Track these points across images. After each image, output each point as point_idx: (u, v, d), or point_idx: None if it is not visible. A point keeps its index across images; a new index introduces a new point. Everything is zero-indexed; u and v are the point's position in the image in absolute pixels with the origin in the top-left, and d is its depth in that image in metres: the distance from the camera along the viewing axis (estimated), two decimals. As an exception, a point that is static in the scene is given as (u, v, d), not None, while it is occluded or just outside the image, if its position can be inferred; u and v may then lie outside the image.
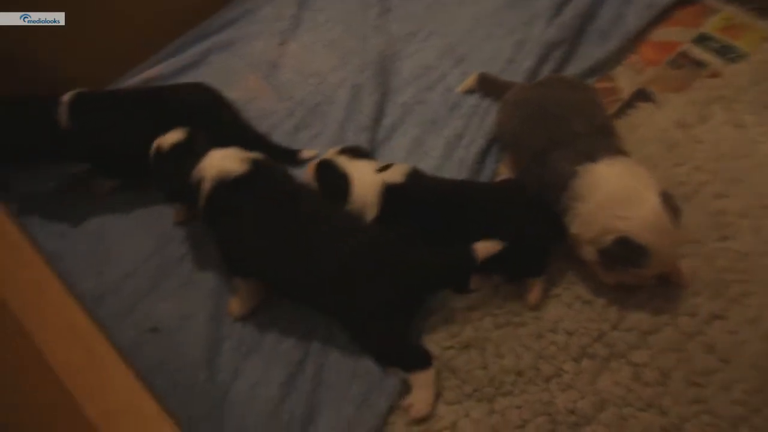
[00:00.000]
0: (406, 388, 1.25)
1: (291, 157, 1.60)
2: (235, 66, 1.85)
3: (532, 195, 1.34)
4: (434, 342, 1.31)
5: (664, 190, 1.24)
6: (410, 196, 1.35)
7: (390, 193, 1.35)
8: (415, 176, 1.38)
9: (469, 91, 1.70)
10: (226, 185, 1.31)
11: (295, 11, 1.96)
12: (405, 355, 1.26)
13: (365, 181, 1.36)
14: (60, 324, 1.14)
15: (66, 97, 1.47)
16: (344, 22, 1.93)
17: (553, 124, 1.38)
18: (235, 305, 1.40)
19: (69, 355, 1.10)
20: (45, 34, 1.62)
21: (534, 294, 1.32)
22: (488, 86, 1.66)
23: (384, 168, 1.39)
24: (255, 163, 1.33)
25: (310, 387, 1.28)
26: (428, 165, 1.54)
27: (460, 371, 1.28)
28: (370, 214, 1.36)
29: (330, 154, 1.43)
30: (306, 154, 1.60)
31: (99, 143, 1.49)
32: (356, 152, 1.44)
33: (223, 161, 1.32)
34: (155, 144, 1.39)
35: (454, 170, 1.53)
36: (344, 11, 1.96)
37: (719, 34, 1.74)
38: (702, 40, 1.72)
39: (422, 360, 1.25)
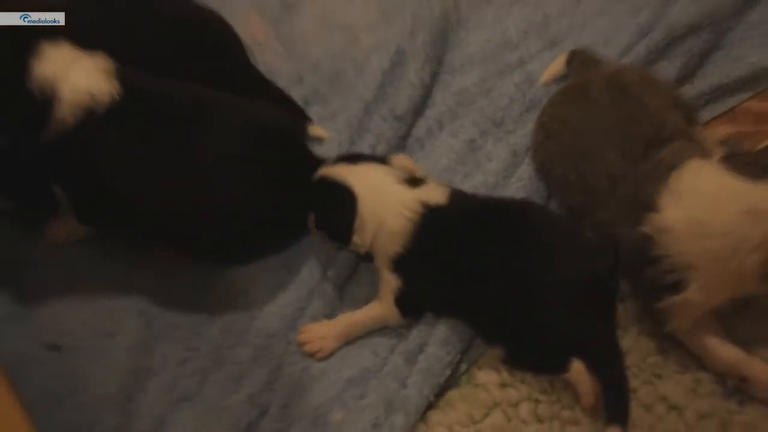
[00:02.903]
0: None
1: (299, 117, 1.70)
2: (235, 1, 1.90)
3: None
4: (446, 425, 1.35)
5: (727, 156, 1.29)
6: (455, 226, 1.40)
7: (430, 220, 1.39)
8: (457, 197, 1.44)
9: (558, 83, 1.70)
10: (97, 116, 1.35)
11: (333, -67, 2.01)
12: None
13: (384, 196, 1.40)
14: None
15: None
16: (401, -39, 1.97)
17: (584, 167, 1.41)
18: (60, 230, 1.55)
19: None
20: None
21: (585, 398, 1.31)
22: (585, 70, 1.63)
23: (413, 182, 1.43)
24: (127, 82, 1.39)
25: (260, 464, 1.33)
26: (479, 181, 1.59)
27: (475, 473, 1.32)
28: (391, 249, 1.40)
29: (321, 170, 1.48)
30: (317, 131, 1.69)
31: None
32: (357, 157, 1.49)
33: (88, 80, 1.36)
34: None
35: (515, 194, 1.55)
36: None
37: None
38: None
39: None
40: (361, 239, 1.40)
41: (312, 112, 1.74)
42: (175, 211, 1.42)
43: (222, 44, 1.73)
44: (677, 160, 1.31)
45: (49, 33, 1.43)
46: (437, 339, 1.40)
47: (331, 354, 1.45)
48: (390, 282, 1.41)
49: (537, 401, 1.36)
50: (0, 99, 1.37)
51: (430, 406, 1.37)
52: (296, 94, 1.75)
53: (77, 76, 1.36)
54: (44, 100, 1.34)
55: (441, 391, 1.38)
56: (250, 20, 1.89)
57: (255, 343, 1.45)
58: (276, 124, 1.55)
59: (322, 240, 1.49)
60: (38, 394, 1.40)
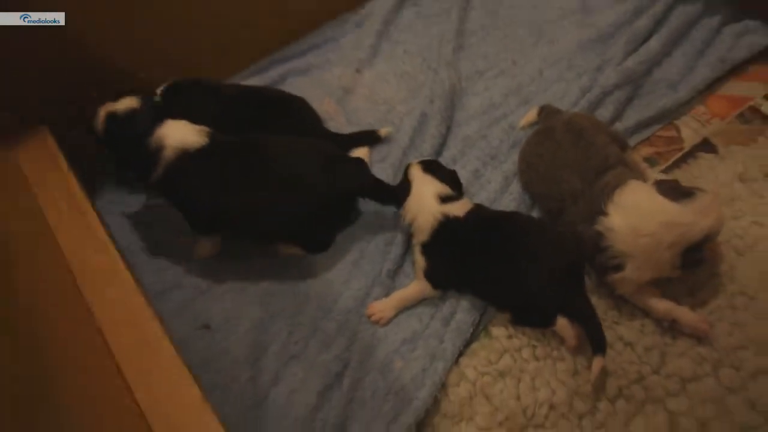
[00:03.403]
0: (435, 409, 1.27)
1: (372, 136, 1.73)
2: (312, 90, 1.88)
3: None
4: (472, 366, 1.31)
5: (658, 182, 1.30)
6: (465, 232, 1.38)
7: (447, 226, 1.38)
8: (473, 211, 1.41)
9: (532, 126, 1.68)
10: (190, 155, 1.40)
11: (374, 41, 2.00)
12: None
13: (423, 203, 1.40)
14: (123, 310, 1.20)
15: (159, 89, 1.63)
16: (420, 55, 1.95)
17: (556, 187, 1.40)
18: (202, 249, 1.54)
19: (127, 339, 1.14)
20: (134, 43, 1.70)
21: (569, 342, 1.28)
22: (550, 118, 1.62)
23: (448, 199, 1.41)
24: (212, 136, 1.44)
25: (345, 400, 1.29)
26: (484, 198, 1.55)
27: (494, 398, 1.27)
28: (420, 237, 1.40)
29: (415, 161, 1.50)
30: (384, 132, 1.73)
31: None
32: (431, 167, 1.48)
33: (185, 133, 1.41)
34: (105, 111, 1.44)
35: (510, 203, 1.52)
36: (421, 45, 1.98)
37: (792, 92, 1.67)
38: (774, 97, 1.67)
39: None
40: (405, 215, 1.43)
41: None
42: (255, 215, 1.43)
43: (304, 115, 1.74)
44: (619, 181, 1.30)
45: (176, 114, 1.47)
46: (463, 308, 1.37)
47: (390, 322, 1.41)
48: (419, 261, 1.40)
49: (534, 346, 1.32)
50: (135, 151, 1.42)
51: (460, 354, 1.33)
52: (357, 148, 1.74)
53: (178, 133, 1.41)
54: (157, 149, 1.40)
55: (467, 344, 1.35)
56: (324, 102, 1.86)
57: (338, 318, 1.42)
58: (324, 148, 1.53)
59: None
60: (197, 360, 1.38)
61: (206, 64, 1.83)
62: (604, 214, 1.26)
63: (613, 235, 1.24)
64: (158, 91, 1.60)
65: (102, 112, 1.45)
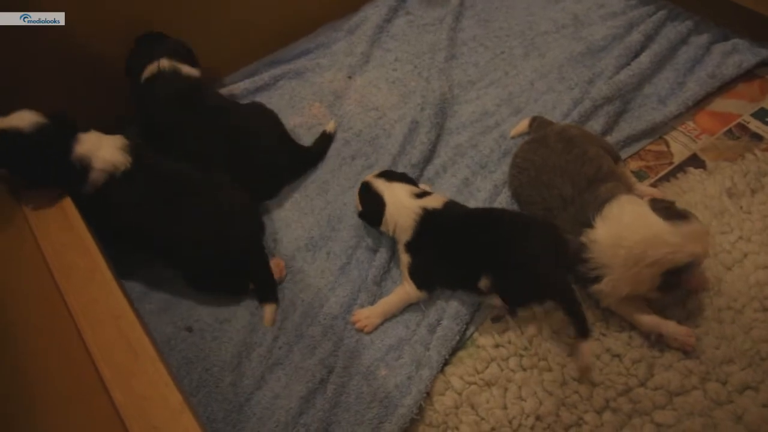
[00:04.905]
0: (419, 418, 1.24)
1: (327, 138, 1.74)
2: (303, 93, 1.88)
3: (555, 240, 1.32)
4: (458, 375, 1.29)
5: (653, 200, 1.28)
6: (447, 222, 1.37)
7: (428, 218, 1.37)
8: (450, 204, 1.41)
9: (523, 136, 1.67)
10: (117, 178, 1.34)
11: (366, 48, 1.99)
12: None
13: (400, 205, 1.39)
14: (103, 310, 1.17)
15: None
16: (411, 63, 1.94)
17: (545, 192, 1.38)
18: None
19: (106, 340, 1.12)
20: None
21: (583, 359, 1.25)
22: (541, 128, 1.61)
23: (422, 195, 1.40)
24: (136, 151, 1.38)
25: (328, 405, 1.27)
26: (472, 206, 1.51)
27: (480, 407, 1.25)
28: (404, 237, 1.38)
29: (369, 176, 1.47)
30: (330, 126, 1.75)
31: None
32: (392, 176, 1.47)
33: (111, 153, 1.35)
34: (3, 127, 1.28)
35: (498, 212, 1.50)
36: (413, 53, 1.98)
37: (780, 110, 1.68)
38: (762, 114, 1.67)
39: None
40: (386, 228, 1.41)
41: (357, 163, 1.69)
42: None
43: (272, 123, 1.68)
44: (611, 195, 1.29)
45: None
46: (449, 315, 1.35)
47: (375, 329, 1.38)
48: (404, 260, 1.39)
49: (521, 356, 1.30)
50: (53, 169, 1.33)
51: (446, 363, 1.31)
52: (346, 152, 1.72)
53: (104, 153, 1.35)
54: (82, 169, 1.33)
55: (453, 352, 1.33)
56: (313, 106, 1.84)
57: (323, 324, 1.39)
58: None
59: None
60: (179, 361, 1.37)
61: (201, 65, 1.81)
62: (591, 226, 1.25)
63: (595, 246, 1.24)
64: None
65: None
